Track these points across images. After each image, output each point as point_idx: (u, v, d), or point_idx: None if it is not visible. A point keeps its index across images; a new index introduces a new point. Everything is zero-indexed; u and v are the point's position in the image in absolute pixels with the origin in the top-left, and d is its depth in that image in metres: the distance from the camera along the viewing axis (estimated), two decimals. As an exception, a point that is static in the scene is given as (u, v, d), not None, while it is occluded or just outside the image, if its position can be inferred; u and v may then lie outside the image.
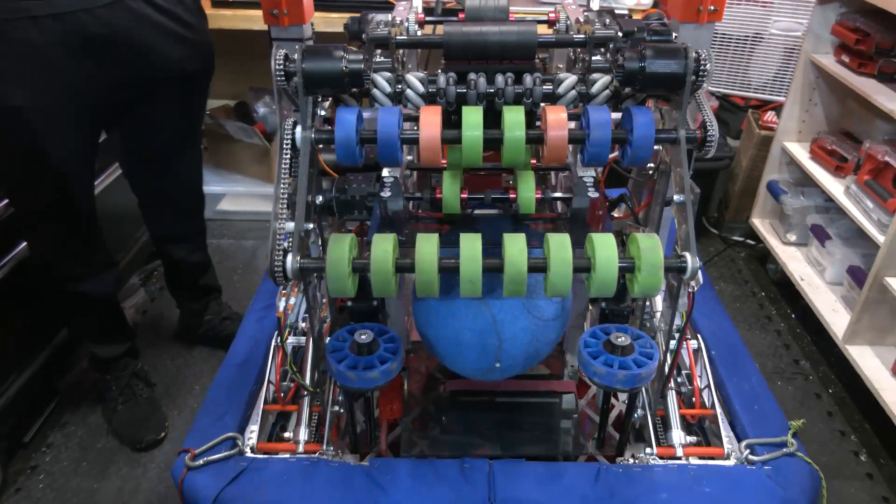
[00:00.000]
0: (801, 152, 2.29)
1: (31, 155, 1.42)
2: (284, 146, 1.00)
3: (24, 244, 1.72)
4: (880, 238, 1.79)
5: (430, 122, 0.96)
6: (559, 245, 0.90)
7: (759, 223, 2.52)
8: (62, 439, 1.85)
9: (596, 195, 1.10)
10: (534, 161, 1.24)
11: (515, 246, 0.91)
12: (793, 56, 2.61)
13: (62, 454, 1.81)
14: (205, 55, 1.65)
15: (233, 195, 2.89)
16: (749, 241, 2.69)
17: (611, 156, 1.03)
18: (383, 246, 0.91)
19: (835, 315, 2.04)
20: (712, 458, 1.11)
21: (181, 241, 1.93)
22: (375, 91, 1.05)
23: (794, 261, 2.31)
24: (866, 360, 1.86)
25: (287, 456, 1.13)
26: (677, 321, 1.11)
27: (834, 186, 2.08)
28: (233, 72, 2.91)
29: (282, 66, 0.97)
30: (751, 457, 1.09)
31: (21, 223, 1.60)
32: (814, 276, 2.23)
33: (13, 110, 1.34)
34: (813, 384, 2.05)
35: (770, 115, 2.67)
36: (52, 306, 1.80)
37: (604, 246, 0.90)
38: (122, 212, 2.10)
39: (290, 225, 0.96)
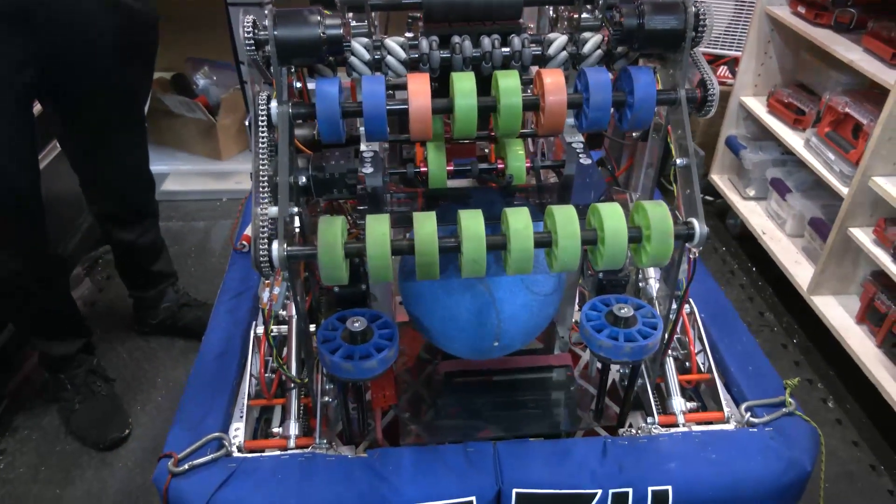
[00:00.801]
0: (758, 106, 2.31)
1: None
2: (260, 123, 0.90)
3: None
4: (843, 189, 1.82)
5: (420, 91, 0.89)
6: (566, 218, 0.86)
7: (718, 179, 2.54)
8: (16, 445, 1.72)
9: (588, 161, 1.06)
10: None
11: (520, 220, 0.86)
12: (743, 10, 2.61)
13: (17, 461, 1.69)
14: (144, 25, 1.52)
15: (178, 174, 2.73)
16: (708, 198, 2.71)
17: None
18: (380, 229, 0.84)
19: (798, 267, 2.09)
20: (713, 424, 1.11)
21: (129, 225, 1.80)
22: (353, 59, 0.96)
23: (755, 215, 2.35)
24: (831, 309, 1.91)
25: (279, 453, 1.06)
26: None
27: (793, 139, 2.10)
28: (167, 43, 2.71)
29: (251, 34, 0.87)
30: (752, 419, 1.09)
31: None
32: (775, 229, 2.27)
33: None
34: (779, 335, 2.10)
35: (723, 70, 2.68)
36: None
37: (612, 217, 0.86)
38: (61, 196, 1.94)
39: (274, 210, 0.88)
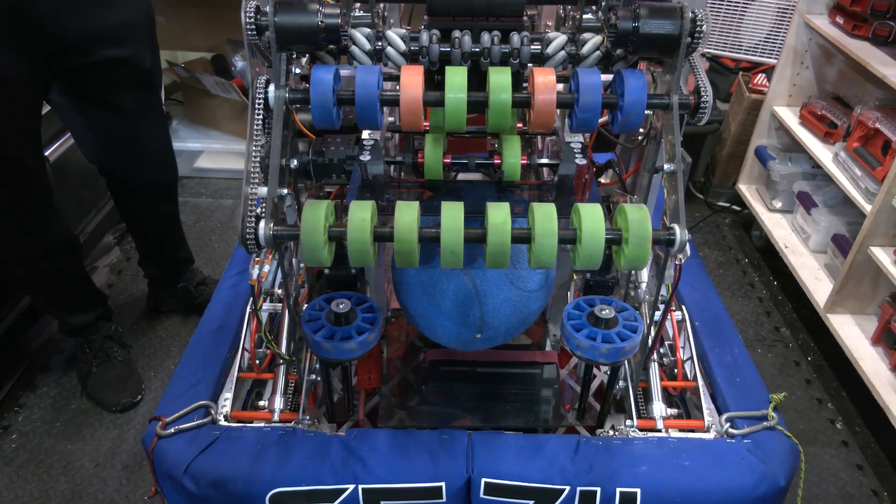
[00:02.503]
0: (790, 117, 2.26)
1: None
2: (256, 105, 0.94)
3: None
4: (867, 207, 1.77)
5: (412, 83, 0.91)
6: (544, 215, 0.87)
7: (746, 189, 2.50)
8: (35, 400, 1.81)
9: (584, 162, 1.06)
10: (520, 125, 1.19)
11: (499, 216, 0.87)
12: (785, 17, 2.55)
13: (35, 414, 1.78)
14: (139, 3, 1.53)
15: (210, 152, 2.80)
16: (734, 207, 2.67)
17: (600, 120, 0.98)
18: (360, 214, 0.87)
19: (817, 283, 2.04)
20: (692, 431, 1.11)
21: (149, 209, 1.83)
22: (354, 48, 0.99)
23: (779, 228, 2.30)
24: (846, 328, 1.87)
25: (262, 425, 1.10)
26: (662, 292, 1.09)
27: (822, 153, 2.05)
28: (209, 23, 2.79)
29: (253, 20, 0.90)
30: (731, 430, 1.08)
31: None
32: (798, 243, 2.22)
33: None
34: (793, 352, 2.06)
35: (760, 78, 2.62)
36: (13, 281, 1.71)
37: (590, 218, 0.87)
38: (91, 169, 2.02)
39: (263, 190, 0.91)
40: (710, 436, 1.09)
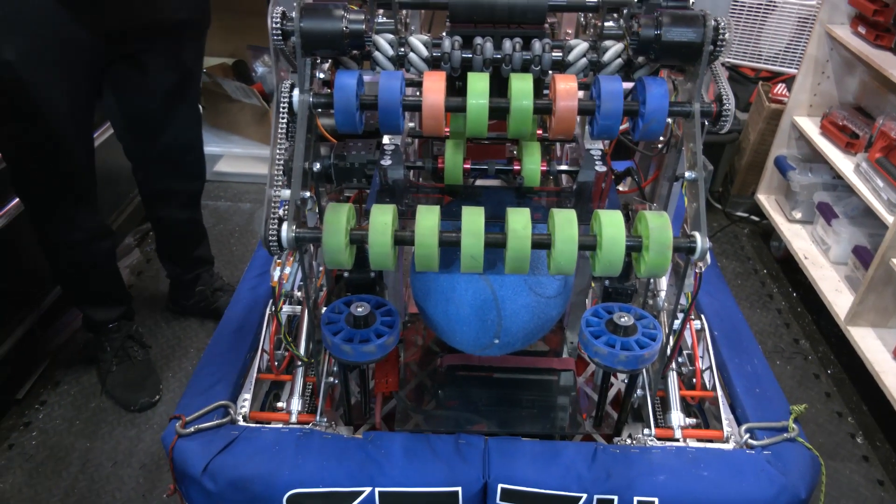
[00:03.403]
0: (811, 127, 2.24)
1: (22, 109, 1.38)
2: (281, 109, 0.95)
3: (9, 207, 1.68)
4: (889, 218, 1.75)
5: (434, 88, 0.92)
6: (565, 221, 0.87)
7: (765, 199, 2.48)
8: (56, 397, 1.84)
9: (603, 169, 1.06)
10: (540, 131, 1.19)
11: (519, 221, 0.87)
12: (806, 26, 2.53)
13: (55, 412, 1.80)
14: (199, 3, 1.59)
15: (230, 156, 2.84)
16: (753, 217, 2.65)
17: (620, 127, 0.98)
18: (382, 218, 0.88)
19: (838, 295, 2.02)
20: (711, 441, 1.10)
21: (176, 208, 1.87)
22: (377, 54, 1.00)
23: (799, 238, 2.28)
24: (868, 341, 1.85)
25: (280, 426, 1.11)
26: (682, 301, 1.08)
27: (843, 164, 2.04)
28: (231, 29, 2.83)
29: (279, 25, 0.91)
30: (751, 441, 1.07)
31: (14, 182, 1.55)
32: (818, 254, 2.20)
33: (4, 63, 1.31)
34: (812, 364, 2.04)
35: (780, 88, 2.61)
36: (46, 269, 1.75)
37: (610, 224, 0.87)
38: (117, 170, 2.05)
39: (286, 192, 0.92)
40: (730, 446, 1.08)
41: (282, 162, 0.94)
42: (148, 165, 1.78)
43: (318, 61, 1.03)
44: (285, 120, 0.96)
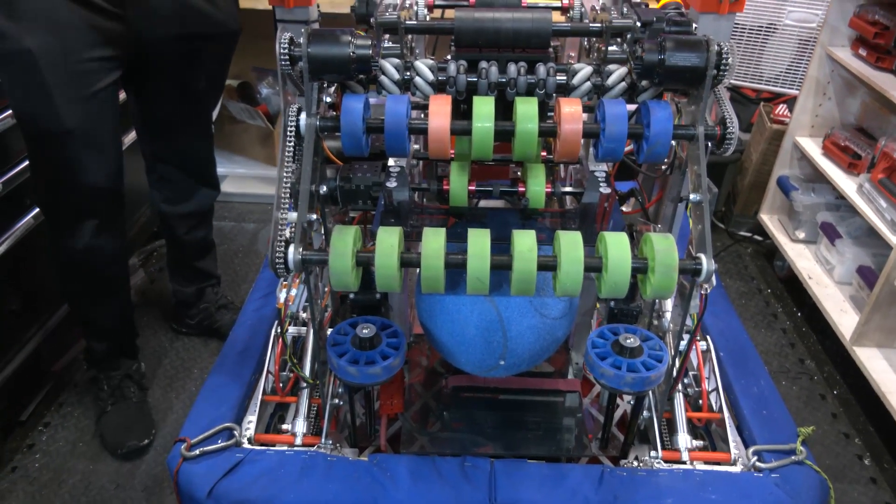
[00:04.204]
0: (813, 148, 2.25)
1: (41, 108, 1.36)
2: (288, 133, 0.96)
3: (18, 227, 1.67)
4: (893, 239, 1.75)
5: (440, 112, 0.93)
6: (570, 243, 0.87)
7: (768, 219, 2.48)
8: (59, 419, 1.83)
9: (608, 191, 1.07)
10: (544, 153, 1.20)
11: (525, 243, 0.88)
12: (807, 48, 2.55)
13: (59, 434, 1.79)
14: (227, 35, 1.60)
15: (235, 177, 2.85)
16: (756, 237, 2.65)
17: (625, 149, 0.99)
18: (388, 240, 0.88)
19: (843, 315, 2.01)
20: (718, 464, 1.09)
21: (188, 215, 1.86)
22: (383, 78, 1.01)
23: (803, 258, 2.28)
24: (874, 362, 1.84)
25: (284, 448, 1.10)
26: (687, 322, 1.08)
27: (846, 184, 2.04)
28: (236, 51, 2.86)
29: (287, 50, 0.93)
30: (758, 463, 1.06)
31: (35, 189, 1.54)
32: (822, 274, 2.20)
33: (26, 53, 1.29)
34: (818, 385, 2.03)
35: (782, 109, 2.62)
36: (52, 289, 1.74)
37: (616, 246, 0.87)
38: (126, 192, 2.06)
39: (293, 215, 0.93)
40: (737, 469, 1.07)
41: (288, 184, 0.95)
42: (161, 165, 1.78)
43: (325, 85, 1.04)
44: (292, 143, 0.97)
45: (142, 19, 1.40)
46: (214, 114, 1.84)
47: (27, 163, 1.65)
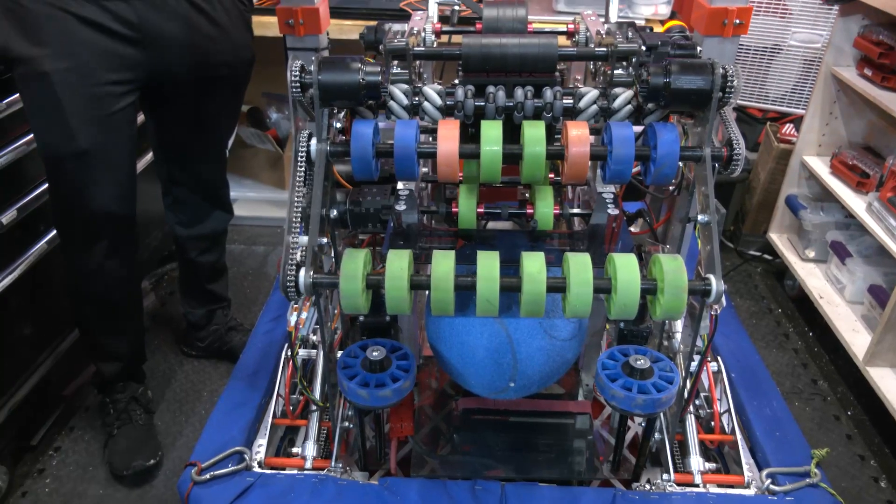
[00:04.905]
0: (821, 167, 2.25)
1: (58, 129, 1.38)
2: (299, 158, 0.98)
3: (30, 253, 1.69)
4: (904, 257, 1.74)
5: (448, 136, 0.94)
6: (580, 265, 0.88)
7: (777, 238, 2.48)
8: (70, 443, 1.83)
9: (616, 212, 1.08)
10: (552, 175, 1.21)
11: (534, 265, 0.88)
12: (812, 68, 2.57)
13: (69, 458, 1.79)
14: (242, 63, 1.62)
15: (244, 200, 2.88)
16: (766, 256, 2.64)
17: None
18: (398, 263, 0.89)
19: (855, 335, 1.99)
20: (732, 487, 1.08)
21: (202, 238, 1.87)
22: (392, 103, 1.03)
23: (813, 277, 2.27)
24: (887, 382, 1.82)
25: (295, 472, 1.10)
26: (698, 343, 1.08)
27: (855, 203, 2.04)
28: (247, 77, 2.91)
29: (297, 78, 0.95)
30: (772, 486, 1.05)
31: (52, 209, 1.55)
32: (833, 293, 2.18)
33: (44, 76, 1.32)
34: (832, 406, 2.00)
35: (788, 128, 2.63)
36: (65, 312, 1.76)
37: (625, 268, 0.87)
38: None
39: (304, 238, 0.94)
40: (751, 492, 1.06)
41: (299, 208, 0.96)
42: (176, 188, 1.80)
43: (335, 111, 1.06)
44: (303, 168, 0.98)
45: (157, 47, 1.42)
46: (229, 142, 1.86)
47: (41, 189, 1.68)
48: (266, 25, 2.27)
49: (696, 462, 1.11)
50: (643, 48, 1.04)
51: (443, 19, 1.37)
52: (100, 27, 1.34)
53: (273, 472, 1.10)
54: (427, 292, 1.05)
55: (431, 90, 1.03)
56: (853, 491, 1.73)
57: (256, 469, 1.11)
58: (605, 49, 1.07)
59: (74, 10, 1.32)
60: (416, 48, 1.07)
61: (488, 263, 0.89)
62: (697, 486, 1.08)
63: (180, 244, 1.91)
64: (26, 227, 1.65)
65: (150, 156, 1.94)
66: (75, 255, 1.57)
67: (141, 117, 1.67)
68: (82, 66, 1.35)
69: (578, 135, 0.94)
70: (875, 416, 1.92)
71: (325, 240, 0.97)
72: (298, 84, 0.95)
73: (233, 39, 1.56)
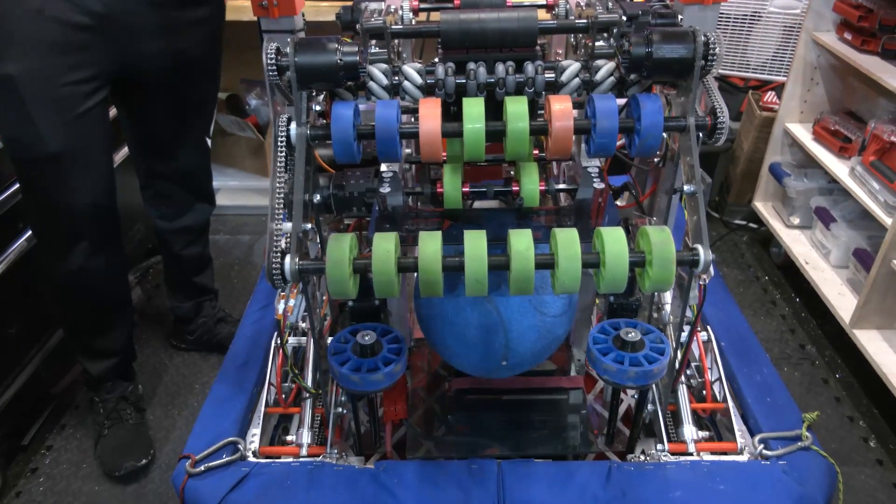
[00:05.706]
0: (803, 133, 2.26)
1: (26, 133, 1.35)
2: (279, 143, 0.96)
3: (12, 250, 1.66)
4: (887, 220, 1.76)
5: (430, 115, 0.93)
6: (567, 241, 0.87)
7: (762, 206, 2.49)
8: (62, 441, 1.82)
9: (601, 186, 1.07)
10: (536, 151, 1.20)
11: (522, 242, 0.88)
12: (792, 34, 2.56)
13: (62, 456, 1.78)
14: (210, 40, 1.59)
15: (227, 189, 2.84)
16: (751, 225, 2.65)
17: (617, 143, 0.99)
18: (385, 246, 0.88)
19: (841, 299, 2.02)
20: (725, 454, 1.09)
21: (184, 231, 1.85)
22: (372, 84, 1.01)
23: (798, 244, 2.28)
24: (874, 344, 1.84)
25: (290, 460, 1.10)
26: (687, 314, 1.08)
27: (838, 168, 2.05)
28: (224, 64, 2.85)
29: (273, 61, 0.93)
30: (765, 451, 1.06)
31: (26, 212, 1.53)
32: (818, 259, 2.20)
33: (8, 79, 1.29)
34: (820, 369, 2.03)
35: (770, 96, 2.63)
36: (50, 309, 1.74)
37: (613, 241, 0.87)
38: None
39: (288, 225, 0.92)
40: (744, 458, 1.08)
41: (282, 195, 0.94)
42: (157, 182, 1.77)
43: (314, 93, 1.04)
44: (283, 153, 0.96)
45: (127, 35, 1.39)
46: (210, 128, 1.82)
47: (15, 187, 1.65)
48: (240, 10, 2.23)
49: (690, 431, 1.12)
50: (624, 18, 1.03)
51: (420, -3, 1.34)
52: (65, 23, 1.30)
53: (268, 461, 1.10)
54: (415, 274, 1.04)
55: (411, 69, 1.01)
56: (844, 452, 1.76)
57: (251, 459, 1.10)
58: (585, 21, 1.05)
59: (38, 6, 1.27)
60: (393, 26, 1.05)
61: (476, 243, 0.88)
62: (691, 454, 1.09)
63: (163, 238, 1.88)
64: (5, 222, 1.62)
65: (126, 149, 1.90)
66: (55, 258, 1.54)
67: (113, 111, 1.64)
68: (46, 68, 1.32)
69: (562, 109, 0.92)
70: (862, 377, 1.95)
71: (309, 225, 0.96)
72: (275, 67, 0.93)
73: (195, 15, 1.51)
